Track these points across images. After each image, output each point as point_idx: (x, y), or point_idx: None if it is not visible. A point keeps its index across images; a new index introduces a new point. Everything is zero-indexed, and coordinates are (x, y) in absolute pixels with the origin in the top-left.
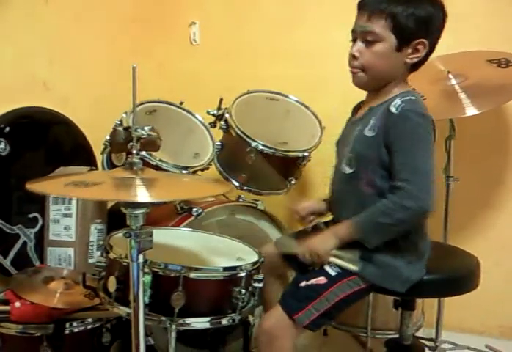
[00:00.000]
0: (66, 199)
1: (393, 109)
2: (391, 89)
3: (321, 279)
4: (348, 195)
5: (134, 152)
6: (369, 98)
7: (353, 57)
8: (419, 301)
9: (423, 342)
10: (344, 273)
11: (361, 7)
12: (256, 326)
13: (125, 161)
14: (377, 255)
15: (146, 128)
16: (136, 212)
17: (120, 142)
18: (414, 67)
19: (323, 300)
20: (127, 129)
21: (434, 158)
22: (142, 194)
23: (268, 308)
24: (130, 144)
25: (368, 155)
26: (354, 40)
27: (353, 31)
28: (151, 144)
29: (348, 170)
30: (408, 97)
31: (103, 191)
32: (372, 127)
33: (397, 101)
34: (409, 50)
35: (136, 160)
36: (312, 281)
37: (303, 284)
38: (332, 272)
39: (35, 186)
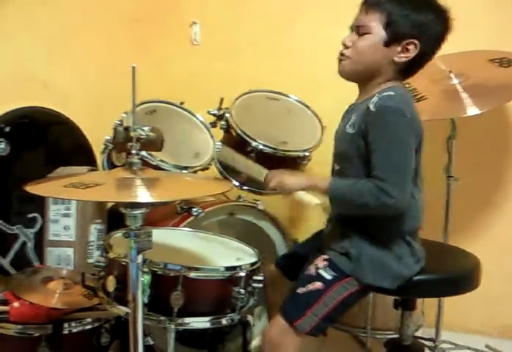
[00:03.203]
0: None
1: (371, 106)
2: (375, 86)
3: (318, 284)
4: None
5: (133, 152)
6: (358, 96)
7: (344, 46)
8: (419, 300)
9: (423, 342)
10: (339, 276)
11: (363, 3)
12: (255, 326)
13: (125, 161)
14: (367, 253)
15: (145, 128)
16: (135, 212)
17: (120, 142)
18: (406, 70)
19: (322, 305)
20: (127, 129)
21: (413, 155)
22: (143, 195)
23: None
24: (130, 143)
25: (349, 151)
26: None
27: (351, 26)
28: (152, 144)
29: (336, 166)
30: (386, 93)
31: (103, 192)
32: (352, 124)
33: (375, 98)
34: (399, 49)
35: (135, 160)
36: (309, 286)
37: (300, 290)
38: (328, 276)
39: (34, 188)
